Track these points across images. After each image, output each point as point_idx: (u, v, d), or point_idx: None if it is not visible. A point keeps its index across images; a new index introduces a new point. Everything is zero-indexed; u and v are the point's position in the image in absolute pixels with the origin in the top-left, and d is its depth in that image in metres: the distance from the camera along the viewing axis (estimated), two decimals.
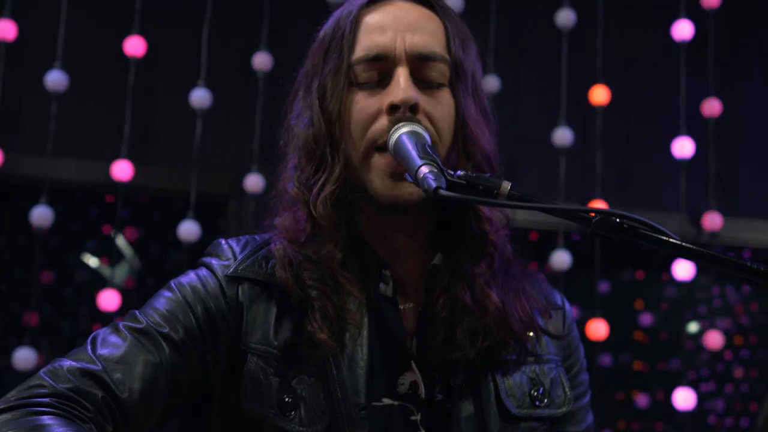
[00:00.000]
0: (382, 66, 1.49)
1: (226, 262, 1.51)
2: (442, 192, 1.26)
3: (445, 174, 1.32)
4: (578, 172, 3.95)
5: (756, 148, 4.30)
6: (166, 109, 3.86)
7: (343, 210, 1.50)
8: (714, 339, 3.80)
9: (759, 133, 4.30)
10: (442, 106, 1.50)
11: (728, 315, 5.04)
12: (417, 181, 1.31)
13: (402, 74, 1.47)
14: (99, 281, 4.69)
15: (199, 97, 3.63)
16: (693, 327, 4.75)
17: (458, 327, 1.50)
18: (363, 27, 1.52)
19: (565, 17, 3.83)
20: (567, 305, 1.73)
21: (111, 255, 4.00)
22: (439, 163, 1.33)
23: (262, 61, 3.72)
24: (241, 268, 1.49)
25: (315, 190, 1.49)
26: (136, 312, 1.47)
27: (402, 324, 1.51)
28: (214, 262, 1.51)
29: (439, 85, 1.51)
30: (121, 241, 4.66)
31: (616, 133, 4.13)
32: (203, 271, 1.51)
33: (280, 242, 1.50)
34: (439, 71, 1.50)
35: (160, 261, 4.87)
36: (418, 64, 1.49)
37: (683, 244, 1.24)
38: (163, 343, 1.42)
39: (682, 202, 3.86)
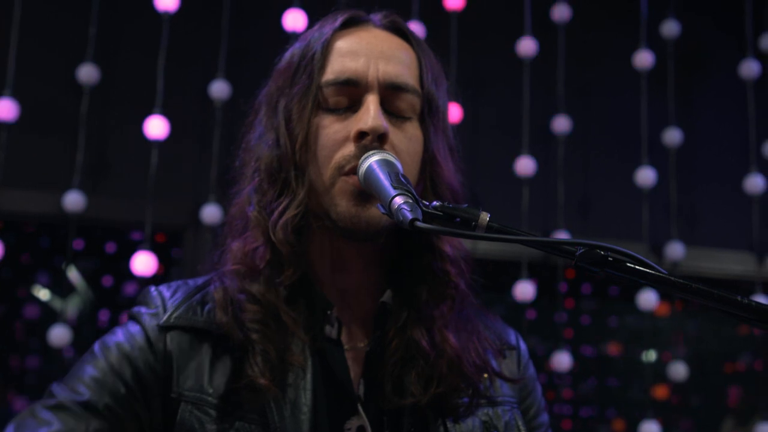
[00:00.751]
0: (352, 91, 1.44)
1: (154, 311, 1.46)
2: (419, 224, 1.18)
3: (420, 205, 1.25)
4: (540, 202, 3.92)
5: (714, 178, 4.30)
6: (120, 138, 3.77)
7: (304, 238, 1.44)
8: (677, 370, 3.77)
9: (717, 162, 4.30)
10: (410, 140, 1.45)
11: (686, 344, 5.03)
12: (390, 212, 1.24)
13: (372, 102, 1.42)
14: (50, 315, 4.57)
15: (155, 125, 3.55)
16: (652, 356, 4.73)
17: (411, 371, 1.44)
18: (335, 50, 1.47)
19: (527, 46, 3.81)
20: (522, 344, 1.67)
21: (63, 288, 3.88)
22: (414, 193, 1.26)
23: (219, 89, 3.65)
24: (172, 317, 1.44)
25: (276, 214, 1.43)
26: (53, 387, 1.41)
27: (347, 366, 1.45)
28: (143, 310, 1.47)
29: (408, 118, 1.46)
30: (73, 274, 4.54)
31: (577, 163, 4.11)
32: (130, 326, 1.46)
33: (220, 282, 1.45)
34: (409, 103, 1.46)
35: (114, 294, 4.76)
36: (389, 93, 1.45)
37: (673, 278, 1.20)
38: (86, 413, 1.36)
39: (644, 232, 3.84)
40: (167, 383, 1.40)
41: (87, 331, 4.56)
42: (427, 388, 1.43)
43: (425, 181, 1.47)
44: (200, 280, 1.52)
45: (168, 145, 3.62)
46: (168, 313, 1.44)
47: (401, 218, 1.19)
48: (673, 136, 3.95)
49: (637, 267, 1.20)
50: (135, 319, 1.47)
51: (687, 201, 4.21)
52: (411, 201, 1.23)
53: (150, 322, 1.44)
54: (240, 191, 1.51)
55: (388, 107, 1.44)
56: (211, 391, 1.39)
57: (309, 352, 1.42)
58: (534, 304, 3.69)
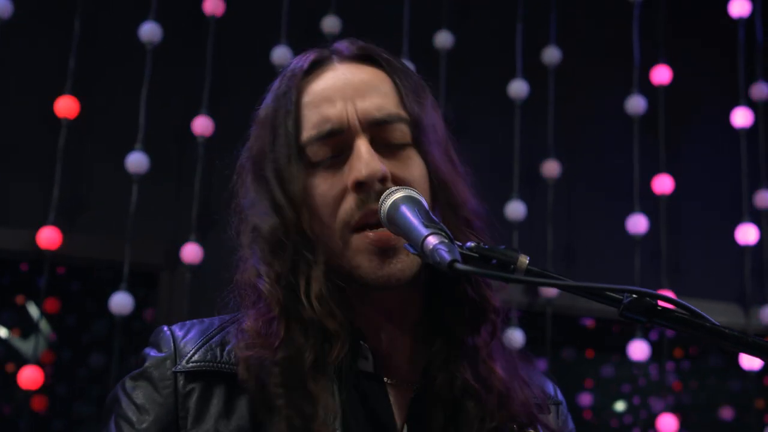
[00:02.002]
0: (337, 140, 1.33)
1: (164, 355, 1.35)
2: (459, 266, 1.08)
3: (456, 244, 1.15)
4: (527, 247, 3.83)
5: (704, 227, 4.25)
6: (98, 174, 3.66)
7: (341, 302, 1.32)
8: (668, 423, 3.69)
9: (707, 211, 4.26)
10: (411, 167, 1.34)
11: (671, 393, 4.95)
12: (423, 254, 1.14)
13: (362, 145, 1.31)
14: (10, 353, 4.41)
15: (135, 161, 3.44)
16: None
17: (461, 409, 1.33)
18: (307, 100, 1.36)
19: (518, 88, 3.76)
20: (561, 396, 1.56)
21: (24, 326, 3.74)
22: (447, 232, 1.16)
23: (202, 125, 3.55)
24: (189, 362, 1.33)
25: (302, 289, 1.31)
26: None
27: (389, 404, 1.33)
28: (152, 354, 1.36)
29: (404, 145, 1.35)
30: (34, 312, 4.39)
31: (565, 208, 4.05)
32: (136, 386, 1.35)
33: (242, 334, 1.33)
34: (400, 131, 1.35)
35: (77, 333, 4.61)
36: (376, 129, 1.33)
37: (727, 330, 1.13)
38: None
39: (636, 280, 3.77)
40: (180, 430, 1.31)
41: (49, 371, 4.41)
42: (482, 426, 1.32)
43: (441, 208, 1.35)
44: (217, 321, 1.41)
45: (147, 182, 3.51)
46: (183, 358, 1.33)
47: (438, 259, 1.10)
48: (663, 183, 3.90)
49: (687, 317, 1.12)
50: (141, 370, 1.36)
51: (675, 250, 4.15)
52: (446, 241, 1.13)
53: (158, 370, 1.34)
54: (242, 260, 1.39)
55: (379, 142, 1.33)
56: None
57: (342, 394, 1.30)
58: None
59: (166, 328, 1.39)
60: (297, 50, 3.65)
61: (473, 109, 4.01)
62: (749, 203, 3.99)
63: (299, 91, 1.36)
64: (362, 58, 1.41)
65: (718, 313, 4.07)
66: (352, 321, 1.33)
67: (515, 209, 3.69)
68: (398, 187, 1.28)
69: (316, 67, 1.39)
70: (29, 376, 3.24)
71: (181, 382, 1.32)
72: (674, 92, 4.06)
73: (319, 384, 1.28)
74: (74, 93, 3.51)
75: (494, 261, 1.18)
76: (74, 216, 3.61)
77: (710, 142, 4.33)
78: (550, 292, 3.74)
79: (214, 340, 1.36)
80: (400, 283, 1.29)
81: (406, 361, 1.37)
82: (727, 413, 4.85)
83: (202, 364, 1.32)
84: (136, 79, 3.57)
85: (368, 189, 1.28)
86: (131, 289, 3.44)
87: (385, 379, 1.35)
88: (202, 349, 1.34)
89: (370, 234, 1.29)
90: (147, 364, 1.35)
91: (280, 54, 3.57)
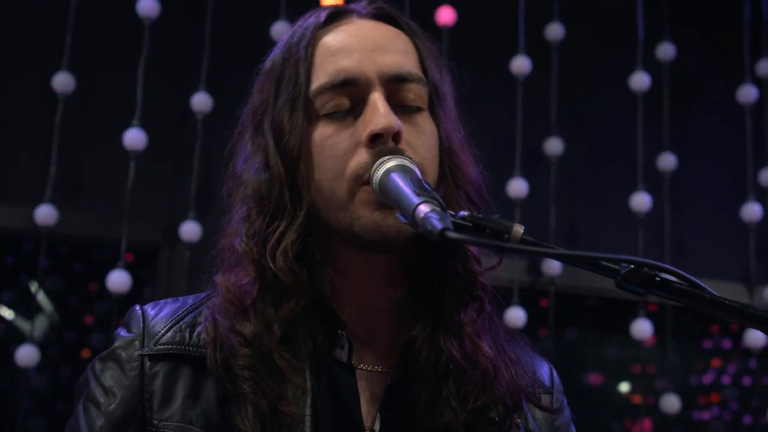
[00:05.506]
0: (351, 92, 1.28)
1: (133, 336, 1.33)
2: (450, 234, 1.04)
3: (448, 213, 1.12)
4: (529, 225, 3.79)
5: (708, 205, 4.22)
6: (96, 151, 3.62)
7: (306, 264, 1.28)
8: (671, 403, 3.67)
9: (712, 189, 4.22)
10: (424, 133, 1.31)
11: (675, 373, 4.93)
12: (414, 222, 1.10)
13: (378, 99, 1.27)
14: (15, 334, 4.40)
15: (133, 138, 3.40)
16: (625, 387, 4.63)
17: (444, 386, 1.29)
18: (323, 50, 1.32)
19: (521, 64, 3.72)
20: (557, 380, 1.50)
21: (28, 307, 3.71)
22: (440, 200, 1.12)
23: (201, 102, 3.51)
24: (156, 345, 1.31)
25: (272, 242, 1.27)
26: None
27: (357, 393, 1.30)
28: (122, 334, 1.35)
29: (418, 109, 1.32)
30: (39, 293, 4.37)
31: (568, 186, 4.01)
32: (105, 368, 1.33)
33: (212, 317, 1.30)
34: (417, 93, 1.31)
35: (80, 314, 4.60)
36: (393, 86, 1.30)
37: (727, 301, 1.11)
38: None
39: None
40: (146, 412, 1.29)
41: (52, 352, 4.40)
42: (464, 405, 1.28)
43: (446, 177, 1.32)
44: (191, 300, 1.38)
45: (145, 159, 3.47)
46: (152, 340, 1.31)
47: (429, 228, 1.06)
48: (667, 161, 3.87)
49: (687, 288, 1.11)
50: (110, 351, 1.35)
51: (679, 229, 4.11)
52: (438, 209, 1.09)
53: (126, 351, 1.33)
54: (227, 222, 1.36)
55: (394, 101, 1.29)
56: (194, 418, 1.26)
57: (312, 377, 1.27)
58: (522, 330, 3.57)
59: (138, 308, 1.37)
60: None
61: (475, 86, 3.95)
62: (754, 181, 3.95)
63: (313, 41, 1.32)
64: (383, 17, 1.37)
65: (722, 292, 3.99)
66: (326, 295, 1.32)
67: (517, 187, 3.66)
68: (389, 156, 1.23)
69: (333, 20, 1.36)
70: (26, 354, 3.21)
71: (148, 364, 1.30)
72: (678, 69, 4.02)
73: (290, 363, 1.25)
74: (71, 69, 3.47)
75: (487, 230, 1.14)
76: (71, 194, 3.58)
77: (715, 120, 4.29)
78: (553, 270, 3.70)
79: (184, 320, 1.33)
80: (396, 239, 1.26)
81: (386, 344, 1.34)
82: (730, 393, 4.83)
83: (170, 346, 1.31)
84: (133, 56, 3.52)
85: (383, 143, 1.25)
86: (130, 268, 3.42)
87: (362, 366, 1.32)
88: (172, 331, 1.32)
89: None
90: (116, 344, 1.34)
91: (280, 30, 3.52)
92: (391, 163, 1.22)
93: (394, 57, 1.31)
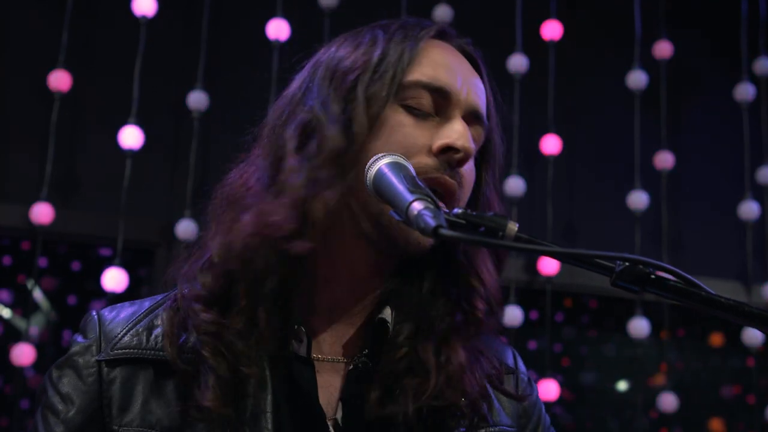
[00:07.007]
0: (439, 102, 1.33)
1: (89, 342, 1.34)
2: (444, 231, 1.04)
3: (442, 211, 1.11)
4: (526, 224, 3.79)
5: (706, 203, 4.21)
6: (92, 149, 3.61)
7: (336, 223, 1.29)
8: (669, 402, 3.66)
9: (709, 187, 4.21)
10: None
11: (673, 372, 4.92)
12: (408, 219, 1.10)
13: (461, 121, 1.32)
14: (13, 334, 4.39)
15: (129, 136, 3.39)
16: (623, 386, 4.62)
17: (403, 381, 1.29)
18: (429, 55, 1.36)
19: (518, 63, 3.71)
20: (521, 365, 1.52)
21: (26, 306, 3.71)
22: (434, 198, 1.13)
23: (197, 100, 3.50)
24: (113, 351, 1.31)
25: (321, 185, 1.26)
26: None
27: (315, 385, 1.31)
28: (78, 339, 1.35)
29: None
30: (37, 292, 4.36)
31: (565, 184, 4.01)
32: (62, 376, 1.33)
33: (172, 307, 1.31)
34: (478, 139, 1.36)
35: (78, 312, 4.59)
36: (470, 120, 1.34)
37: (723, 299, 1.11)
38: None
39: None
40: (105, 418, 1.29)
41: (49, 351, 4.39)
42: (417, 398, 1.28)
43: None
44: (148, 302, 1.39)
45: (141, 157, 3.47)
46: (109, 344, 1.32)
47: (423, 225, 1.06)
48: (664, 159, 3.86)
49: (682, 286, 1.10)
50: (66, 358, 1.35)
51: (676, 226, 4.11)
52: (432, 206, 1.09)
53: (83, 357, 1.33)
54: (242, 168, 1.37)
55: None
56: (154, 421, 1.27)
57: (269, 369, 1.28)
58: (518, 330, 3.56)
59: (94, 313, 1.38)
60: (293, 24, 3.63)
61: None
62: (751, 179, 3.94)
63: (423, 43, 1.36)
64: (473, 58, 1.43)
65: (720, 290, 3.99)
66: (291, 287, 1.31)
67: (515, 185, 3.65)
68: (384, 153, 1.24)
69: (442, 37, 1.41)
70: (22, 353, 3.20)
71: (105, 369, 1.31)
72: (676, 67, 4.02)
73: (251, 367, 1.26)
74: (67, 67, 3.47)
75: (482, 228, 1.13)
76: (68, 192, 3.57)
77: (712, 118, 4.28)
78: (550, 269, 3.70)
79: (141, 323, 1.34)
80: (418, 249, 1.29)
81: (350, 335, 1.36)
82: (729, 392, 4.82)
83: (127, 351, 1.31)
84: (130, 54, 3.52)
85: (448, 159, 1.29)
86: (126, 266, 3.41)
87: (324, 357, 1.34)
88: (129, 334, 1.32)
89: None
90: (72, 350, 1.35)
91: (276, 28, 3.51)
92: (385, 160, 1.23)
93: (480, 97, 1.37)
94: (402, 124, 1.30)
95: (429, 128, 1.31)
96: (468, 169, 1.33)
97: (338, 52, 1.37)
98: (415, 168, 1.25)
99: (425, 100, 1.32)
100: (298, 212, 1.25)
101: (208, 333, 1.25)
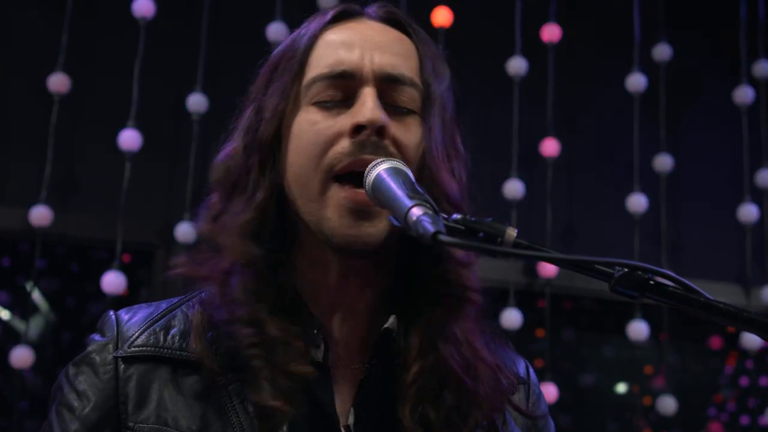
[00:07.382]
0: (347, 85, 1.32)
1: (107, 339, 1.34)
2: (443, 238, 1.04)
3: (441, 217, 1.11)
4: (526, 227, 3.79)
5: (705, 206, 4.21)
6: (91, 151, 3.61)
7: (267, 242, 1.30)
8: (667, 404, 3.66)
9: (708, 190, 4.21)
10: (411, 133, 1.32)
11: (672, 374, 4.92)
12: (407, 225, 1.10)
13: (369, 94, 1.30)
14: (11, 335, 4.39)
15: (128, 138, 3.39)
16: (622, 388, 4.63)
17: (442, 398, 1.29)
18: (325, 43, 1.35)
19: (517, 66, 3.71)
20: (533, 376, 1.52)
21: (25, 308, 3.70)
22: (433, 204, 1.12)
23: (196, 102, 3.50)
24: (131, 348, 1.32)
25: (228, 221, 1.30)
26: None
27: (332, 393, 1.31)
28: (96, 338, 1.37)
29: (409, 111, 1.33)
30: (36, 293, 4.36)
31: (564, 187, 4.01)
32: (79, 374, 1.34)
33: (200, 307, 1.32)
34: (409, 96, 1.34)
35: (77, 314, 4.59)
36: (386, 86, 1.32)
37: (722, 305, 1.08)
38: None
39: (636, 259, 3.72)
40: (121, 415, 1.29)
41: (48, 353, 4.38)
42: (466, 419, 1.29)
43: (421, 181, 1.30)
44: (165, 304, 1.39)
45: (141, 159, 3.47)
46: (126, 342, 1.33)
47: (421, 231, 1.06)
48: (663, 162, 3.86)
49: (681, 292, 1.08)
50: (83, 356, 1.36)
51: (675, 229, 4.11)
52: (431, 212, 1.09)
53: (100, 354, 1.34)
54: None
55: (386, 100, 1.32)
56: (169, 419, 1.27)
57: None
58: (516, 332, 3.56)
59: (111, 313, 1.39)
60: (293, 26, 3.61)
61: (471, 87, 3.96)
62: (750, 182, 3.95)
63: (318, 35, 1.36)
64: (391, 21, 1.41)
65: (719, 294, 4.03)
66: (301, 293, 1.33)
67: (514, 188, 3.65)
68: (384, 159, 1.25)
69: (341, 18, 1.40)
70: (20, 355, 3.20)
71: (122, 366, 1.31)
72: (675, 70, 4.02)
73: (303, 366, 1.26)
74: (67, 69, 3.47)
75: (481, 234, 1.13)
76: (67, 194, 3.57)
77: (711, 120, 4.28)
78: (549, 272, 3.70)
79: (158, 323, 1.35)
80: (366, 248, 1.28)
81: (362, 341, 1.35)
82: (727, 394, 4.82)
83: (144, 348, 1.32)
84: (129, 56, 3.52)
85: (365, 137, 1.27)
86: (125, 269, 3.41)
87: (337, 363, 1.33)
88: (146, 333, 1.33)
89: (351, 190, 1.27)
90: (89, 348, 1.35)
91: (276, 30, 3.52)
92: (385, 165, 1.23)
93: (392, 58, 1.34)
94: (312, 122, 1.31)
95: (341, 116, 1.30)
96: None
97: (257, 79, 1.41)
98: (330, 158, 1.27)
99: (333, 91, 1.32)
100: (250, 233, 1.30)
101: (256, 345, 1.26)
